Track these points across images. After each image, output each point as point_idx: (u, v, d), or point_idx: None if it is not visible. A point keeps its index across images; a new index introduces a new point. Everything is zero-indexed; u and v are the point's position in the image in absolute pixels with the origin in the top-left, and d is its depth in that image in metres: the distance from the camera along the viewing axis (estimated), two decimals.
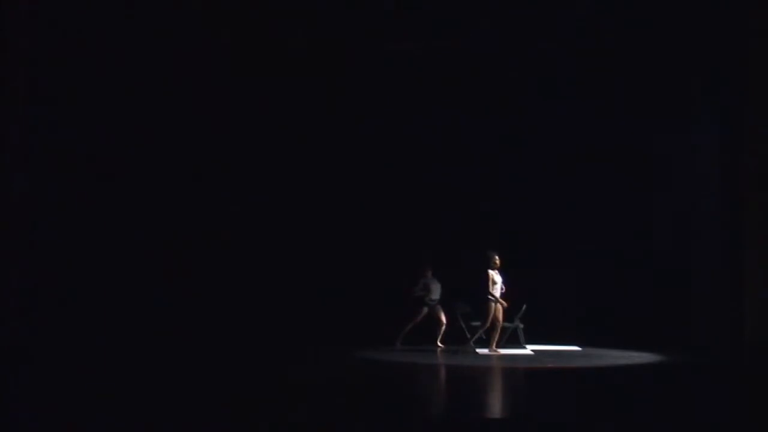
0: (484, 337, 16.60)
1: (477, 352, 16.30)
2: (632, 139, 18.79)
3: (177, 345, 15.83)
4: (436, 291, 17.08)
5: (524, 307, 16.81)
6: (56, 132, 16.54)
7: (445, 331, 17.07)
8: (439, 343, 16.98)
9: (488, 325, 16.09)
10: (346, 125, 18.93)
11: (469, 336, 16.79)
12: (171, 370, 13.59)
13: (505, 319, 16.36)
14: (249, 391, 11.73)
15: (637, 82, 18.37)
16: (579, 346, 17.19)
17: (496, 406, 11.55)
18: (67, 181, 16.72)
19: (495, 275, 16.08)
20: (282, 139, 18.61)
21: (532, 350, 16.65)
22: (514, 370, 14.82)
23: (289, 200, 18.56)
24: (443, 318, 17.03)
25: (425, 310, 17.03)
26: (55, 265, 16.34)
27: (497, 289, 16.05)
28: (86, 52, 16.75)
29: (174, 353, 15.33)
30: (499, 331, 16.21)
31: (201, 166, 18.01)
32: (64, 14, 16.48)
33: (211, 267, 17.79)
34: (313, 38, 18.03)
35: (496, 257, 16.14)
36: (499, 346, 16.32)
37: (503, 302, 16.02)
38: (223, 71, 18.01)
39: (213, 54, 17.81)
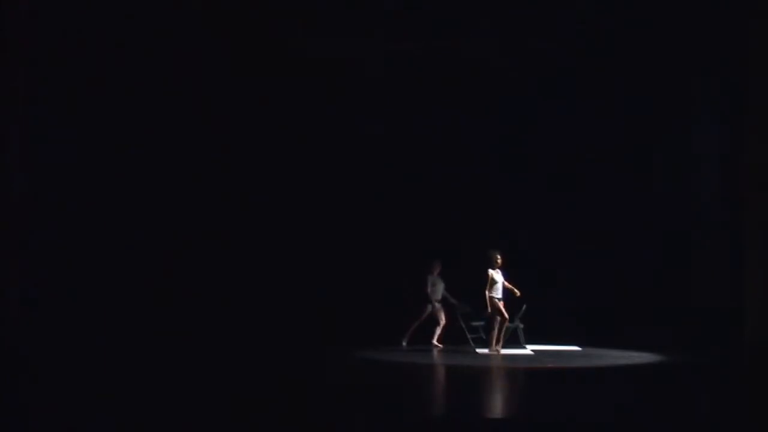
0: (483, 336, 16.61)
1: (477, 352, 16.31)
2: (632, 139, 18.79)
3: (177, 345, 15.83)
4: (439, 290, 17.06)
5: (524, 307, 16.81)
6: (56, 132, 16.54)
7: (443, 332, 17.06)
8: (435, 343, 16.97)
9: (507, 319, 16.08)
10: (345, 125, 18.92)
11: (469, 336, 16.82)
12: (171, 370, 13.58)
13: (503, 321, 16.34)
14: (249, 391, 11.72)
15: (637, 82, 18.37)
16: (579, 346, 17.19)
17: (496, 406, 11.55)
18: (67, 182, 16.72)
19: (496, 275, 16.07)
20: (282, 139, 18.61)
21: (532, 350, 16.64)
22: (514, 370, 14.82)
23: (289, 200, 18.55)
24: (443, 318, 17.02)
25: (429, 308, 17.00)
26: (55, 265, 16.34)
27: (498, 289, 16.04)
28: (86, 52, 16.75)
29: (174, 353, 15.33)
30: (497, 330, 16.18)
31: (201, 166, 18.00)
32: (64, 14, 16.48)
33: (211, 267, 17.78)
34: (313, 38, 18.03)
35: (498, 256, 16.13)
36: (499, 346, 16.29)
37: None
38: (223, 71, 18.01)
39: (213, 54, 17.81)
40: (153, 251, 17.32)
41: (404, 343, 17.01)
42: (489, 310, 16.01)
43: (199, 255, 17.70)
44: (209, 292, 17.55)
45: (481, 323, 16.78)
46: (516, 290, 16.12)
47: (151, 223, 17.42)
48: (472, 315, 16.94)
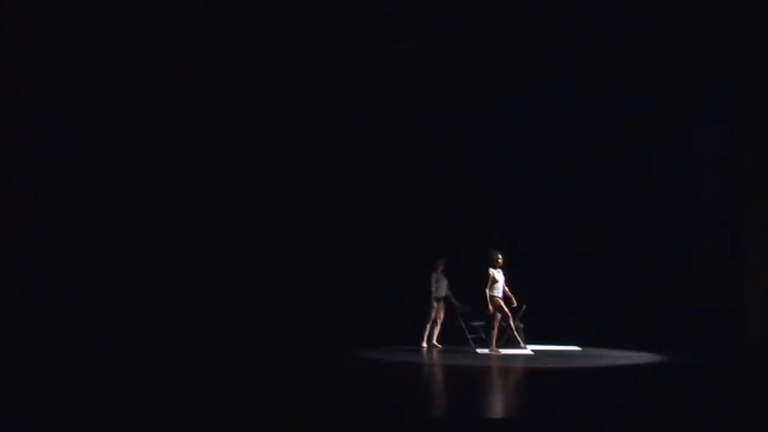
0: (483, 336, 16.61)
1: (477, 352, 16.30)
2: (632, 139, 18.80)
3: (177, 345, 15.83)
4: (442, 287, 17.01)
5: (524, 307, 16.81)
6: (56, 132, 16.55)
7: (441, 330, 17.04)
8: (435, 342, 16.96)
9: (508, 316, 16.08)
10: (345, 125, 18.93)
11: (469, 336, 16.82)
12: (171, 370, 13.58)
13: (505, 318, 16.35)
14: (249, 391, 11.72)
15: (637, 82, 18.38)
16: (579, 346, 17.19)
17: (496, 406, 11.55)
18: (67, 182, 16.72)
19: (496, 274, 16.07)
20: (282, 139, 18.61)
21: (532, 350, 16.64)
22: (514, 370, 14.82)
23: (289, 200, 18.56)
24: (441, 316, 16.98)
25: (435, 305, 16.95)
26: (55, 265, 16.34)
27: (498, 288, 16.04)
28: (86, 52, 16.75)
29: (174, 353, 15.33)
30: (497, 330, 16.18)
31: (201, 166, 18.01)
32: (64, 14, 16.49)
33: (211, 267, 17.79)
34: (313, 38, 18.04)
35: (499, 256, 16.12)
36: (499, 346, 16.30)
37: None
38: (223, 71, 18.01)
39: (213, 54, 17.81)
40: (153, 251, 17.32)
41: (424, 346, 16.94)
42: (490, 308, 16.00)
43: (199, 255, 17.70)
44: (209, 292, 17.55)
45: (481, 323, 16.76)
46: (513, 299, 16.13)
47: (151, 223, 17.43)
48: (472, 315, 16.93)
